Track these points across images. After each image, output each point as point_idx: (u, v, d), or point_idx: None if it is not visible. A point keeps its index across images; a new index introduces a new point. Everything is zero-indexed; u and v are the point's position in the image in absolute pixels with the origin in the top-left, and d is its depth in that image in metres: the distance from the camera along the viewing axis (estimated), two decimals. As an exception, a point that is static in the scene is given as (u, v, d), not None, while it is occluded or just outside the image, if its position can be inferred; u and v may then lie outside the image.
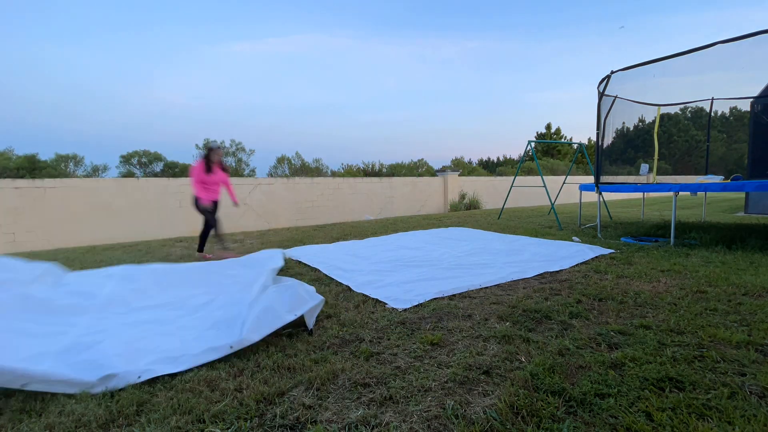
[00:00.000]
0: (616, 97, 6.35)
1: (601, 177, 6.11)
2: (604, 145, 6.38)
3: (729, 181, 5.41)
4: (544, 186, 7.45)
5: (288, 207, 10.39)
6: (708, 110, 7.71)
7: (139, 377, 1.78)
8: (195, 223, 9.32)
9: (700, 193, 10.61)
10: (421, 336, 2.18)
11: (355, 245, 5.28)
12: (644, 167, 6.87)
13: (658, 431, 1.35)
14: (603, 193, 6.18)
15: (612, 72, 6.04)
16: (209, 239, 4.88)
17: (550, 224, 7.11)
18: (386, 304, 2.78)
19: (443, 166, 19.77)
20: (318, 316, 2.56)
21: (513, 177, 9.99)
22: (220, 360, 1.97)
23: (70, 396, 1.68)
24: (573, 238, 5.39)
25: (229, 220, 9.65)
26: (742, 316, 2.35)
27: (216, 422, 1.46)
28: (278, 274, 3.63)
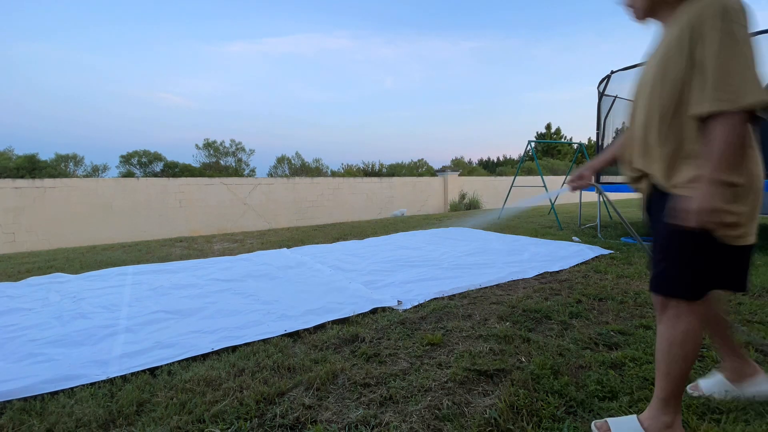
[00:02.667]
0: (616, 96, 6.36)
1: (601, 177, 6.11)
2: (604, 145, 6.38)
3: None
4: (545, 186, 7.45)
5: (288, 207, 10.41)
6: (708, 110, 7.69)
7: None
8: (194, 223, 9.30)
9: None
10: (421, 336, 2.18)
11: (355, 245, 5.28)
12: (644, 167, 6.86)
13: (659, 431, 1.35)
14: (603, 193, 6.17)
15: (612, 72, 6.04)
16: None
17: (550, 224, 7.11)
18: (388, 304, 2.78)
19: (443, 166, 19.79)
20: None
21: (513, 177, 9.99)
22: (220, 360, 1.97)
23: (70, 396, 1.68)
24: (573, 238, 5.39)
25: (228, 220, 9.65)
26: (742, 316, 2.34)
27: (216, 422, 1.46)
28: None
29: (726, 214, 1.10)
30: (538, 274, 3.54)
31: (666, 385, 1.24)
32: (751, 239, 1.16)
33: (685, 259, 1.18)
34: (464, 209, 13.14)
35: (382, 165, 22.88)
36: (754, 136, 1.14)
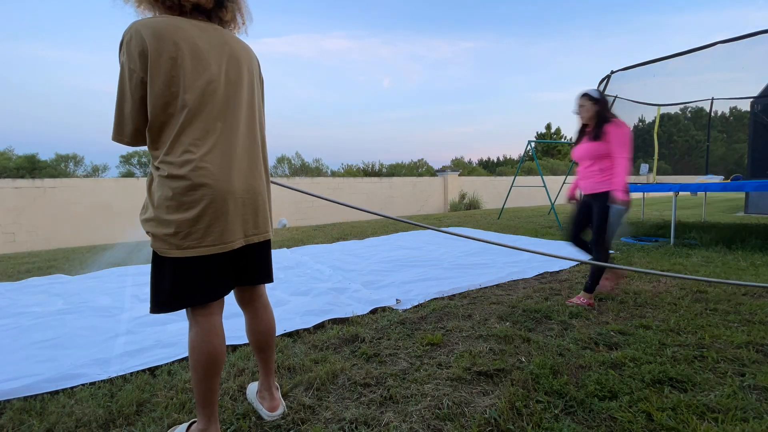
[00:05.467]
0: (616, 97, 6.36)
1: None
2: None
3: (729, 181, 5.41)
4: (544, 186, 7.44)
5: (288, 207, 10.41)
6: (708, 110, 7.71)
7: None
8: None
9: (700, 193, 10.62)
10: (421, 336, 2.18)
11: (355, 245, 5.28)
12: (644, 167, 6.88)
13: (658, 431, 1.35)
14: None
15: (612, 72, 6.05)
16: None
17: (550, 224, 7.11)
18: (387, 304, 2.78)
19: (443, 166, 19.77)
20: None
21: (513, 177, 9.99)
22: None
23: (70, 396, 1.68)
24: (573, 238, 5.39)
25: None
26: (742, 316, 2.35)
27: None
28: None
29: None
30: (538, 274, 3.54)
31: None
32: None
33: None
34: (464, 209, 13.14)
35: (382, 165, 22.82)
36: None
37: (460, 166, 23.55)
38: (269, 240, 1.40)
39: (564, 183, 9.54)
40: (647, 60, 5.67)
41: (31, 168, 17.91)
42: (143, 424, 1.46)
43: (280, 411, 1.49)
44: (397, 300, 2.81)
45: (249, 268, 1.36)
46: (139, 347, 2.13)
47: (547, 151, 32.13)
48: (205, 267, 1.20)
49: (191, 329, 1.25)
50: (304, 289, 3.15)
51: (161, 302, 1.20)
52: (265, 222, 1.33)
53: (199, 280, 1.20)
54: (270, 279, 1.44)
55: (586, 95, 2.63)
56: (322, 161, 23.80)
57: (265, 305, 1.47)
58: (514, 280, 3.35)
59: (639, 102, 6.89)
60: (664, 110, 7.23)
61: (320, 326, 2.40)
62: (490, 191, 14.89)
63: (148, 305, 2.83)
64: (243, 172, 1.24)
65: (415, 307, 2.72)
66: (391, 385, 1.68)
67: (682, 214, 8.59)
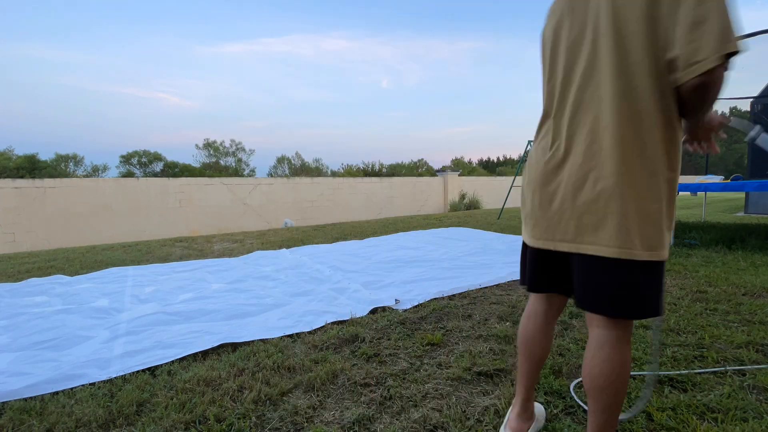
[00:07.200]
0: (616, 97, 6.35)
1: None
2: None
3: (729, 181, 5.41)
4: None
5: (288, 207, 10.40)
6: (708, 110, 7.70)
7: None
8: (194, 223, 9.26)
9: (700, 193, 10.62)
10: (421, 336, 2.18)
11: (355, 245, 5.28)
12: (644, 167, 6.87)
13: (658, 431, 1.35)
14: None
15: (612, 72, 6.03)
16: None
17: (550, 224, 7.10)
18: (386, 304, 2.78)
19: (443, 166, 19.81)
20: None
21: (513, 177, 9.99)
22: (220, 360, 1.97)
23: (70, 396, 1.68)
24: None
25: (228, 220, 9.63)
26: (742, 316, 2.34)
27: (216, 422, 1.46)
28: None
29: None
30: (538, 274, 3.53)
31: (614, 419, 1.02)
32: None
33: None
34: (464, 209, 13.14)
35: (382, 165, 22.83)
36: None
37: (460, 166, 23.54)
38: (600, 257, 0.97)
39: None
40: (647, 60, 5.67)
41: (31, 168, 17.92)
42: (143, 424, 1.46)
43: None
44: (396, 300, 2.81)
45: (569, 278, 1.10)
46: (139, 347, 2.13)
47: (547, 151, 32.09)
48: (526, 253, 1.28)
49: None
50: (304, 290, 3.15)
51: None
52: (582, 229, 0.97)
53: (523, 264, 1.33)
54: (593, 307, 1.01)
55: None
56: (322, 161, 23.82)
57: (595, 338, 1.03)
58: (514, 280, 3.35)
59: (639, 102, 6.89)
60: (664, 110, 7.22)
61: (320, 326, 2.40)
62: (490, 191, 14.89)
63: (147, 306, 2.85)
64: (574, 158, 0.98)
65: (415, 307, 2.72)
66: (391, 385, 1.68)
67: (682, 214, 8.58)
